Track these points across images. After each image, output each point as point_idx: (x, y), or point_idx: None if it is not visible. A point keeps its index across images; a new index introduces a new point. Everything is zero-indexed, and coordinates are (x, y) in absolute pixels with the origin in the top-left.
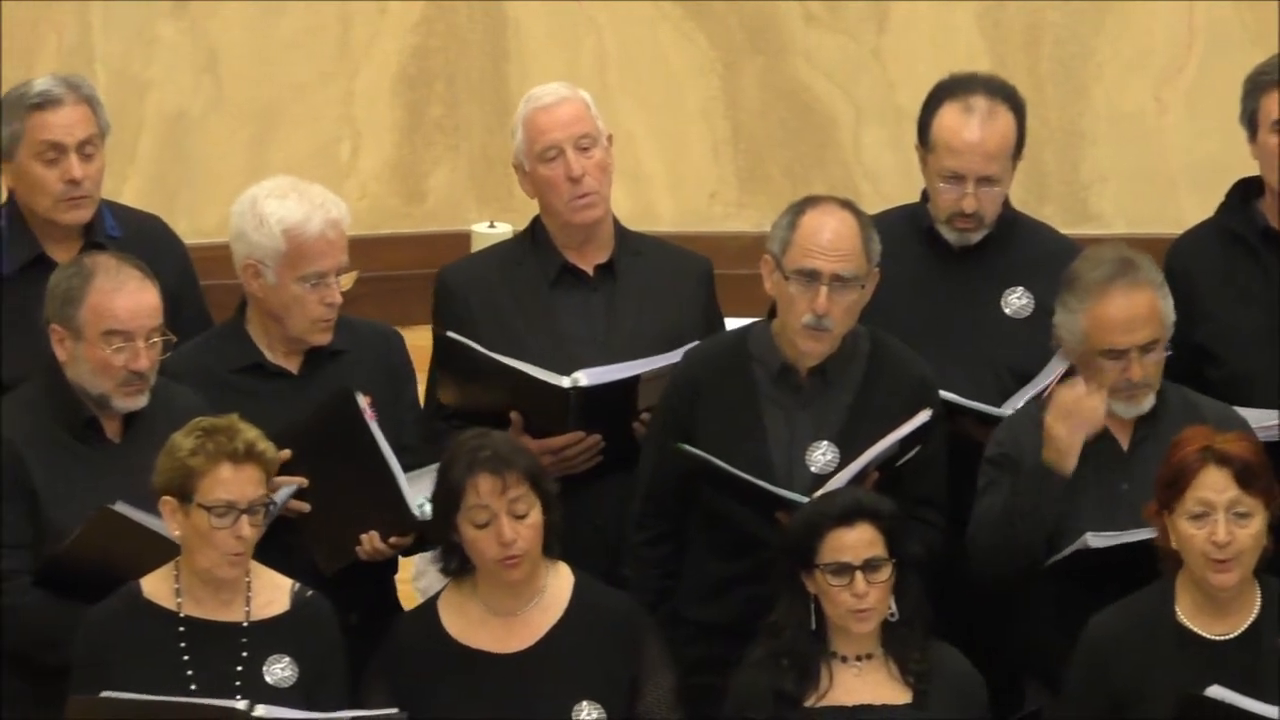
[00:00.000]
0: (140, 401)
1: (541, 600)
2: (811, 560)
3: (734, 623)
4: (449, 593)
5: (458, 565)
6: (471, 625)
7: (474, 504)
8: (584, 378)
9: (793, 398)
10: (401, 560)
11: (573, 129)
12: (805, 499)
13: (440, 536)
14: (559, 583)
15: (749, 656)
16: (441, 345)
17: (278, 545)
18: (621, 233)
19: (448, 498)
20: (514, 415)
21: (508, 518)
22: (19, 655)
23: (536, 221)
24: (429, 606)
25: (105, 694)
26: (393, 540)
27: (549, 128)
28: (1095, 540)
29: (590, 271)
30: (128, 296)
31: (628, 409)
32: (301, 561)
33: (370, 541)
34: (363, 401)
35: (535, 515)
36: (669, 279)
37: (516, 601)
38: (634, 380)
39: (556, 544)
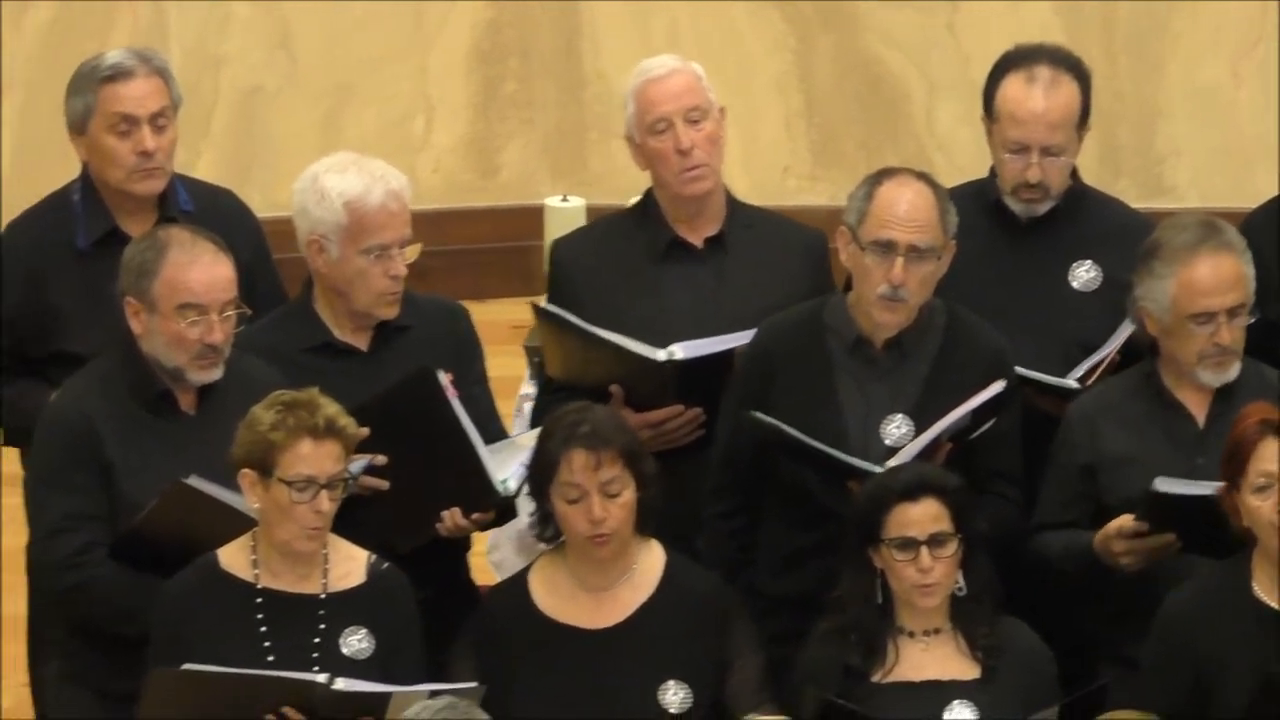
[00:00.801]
0: (215, 374)
1: (632, 577)
2: (877, 535)
3: (808, 596)
4: (540, 565)
5: (553, 533)
6: (561, 600)
7: (566, 480)
8: (679, 351)
9: (868, 370)
10: (474, 535)
11: (683, 101)
12: (878, 468)
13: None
14: (650, 560)
15: (816, 630)
16: (541, 318)
17: (349, 520)
18: (733, 205)
19: (543, 469)
20: (614, 388)
21: (599, 496)
22: (96, 627)
23: (649, 194)
24: (520, 579)
25: (187, 666)
26: (475, 516)
27: (659, 100)
28: (1163, 485)
29: (700, 244)
30: (202, 269)
31: (725, 383)
32: (373, 536)
33: (452, 518)
34: (444, 379)
35: (628, 495)
36: (779, 252)
37: (606, 577)
38: (729, 354)
39: (650, 522)
